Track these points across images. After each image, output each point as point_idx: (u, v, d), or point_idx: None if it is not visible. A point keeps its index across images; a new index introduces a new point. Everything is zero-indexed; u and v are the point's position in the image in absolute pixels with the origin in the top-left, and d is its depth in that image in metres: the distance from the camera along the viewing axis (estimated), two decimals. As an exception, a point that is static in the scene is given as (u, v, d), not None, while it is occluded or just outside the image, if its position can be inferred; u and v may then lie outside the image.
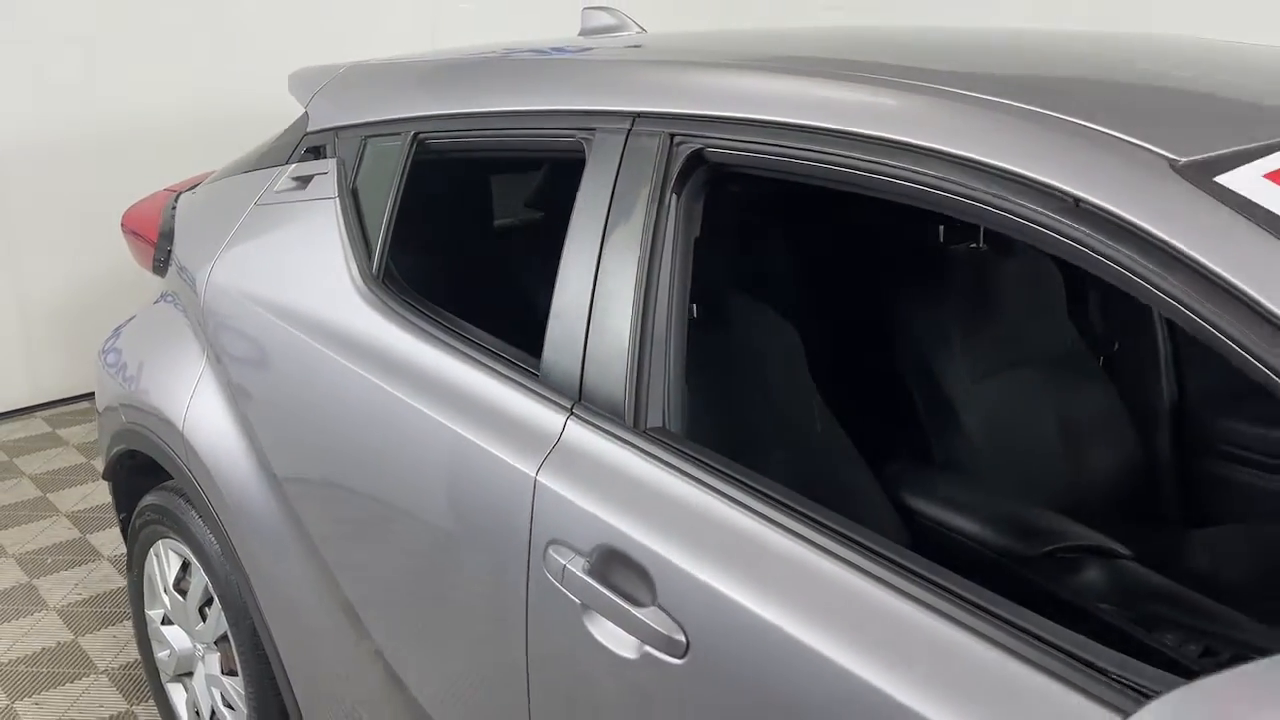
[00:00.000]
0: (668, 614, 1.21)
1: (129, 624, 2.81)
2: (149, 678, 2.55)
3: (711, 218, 1.43)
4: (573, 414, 1.41)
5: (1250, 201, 0.99)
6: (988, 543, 1.83)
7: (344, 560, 1.76)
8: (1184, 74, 1.40)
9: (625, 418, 1.36)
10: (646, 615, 1.22)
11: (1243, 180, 1.02)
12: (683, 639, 1.19)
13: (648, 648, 1.23)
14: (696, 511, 1.24)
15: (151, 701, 2.60)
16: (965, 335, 2.06)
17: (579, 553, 1.31)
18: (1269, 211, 0.98)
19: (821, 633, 1.09)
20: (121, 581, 3.15)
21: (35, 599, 3.16)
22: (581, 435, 1.38)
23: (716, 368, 1.84)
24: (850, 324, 2.09)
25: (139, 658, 2.61)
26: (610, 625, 1.27)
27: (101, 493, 3.68)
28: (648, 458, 1.31)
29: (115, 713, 2.67)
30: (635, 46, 1.66)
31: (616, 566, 1.27)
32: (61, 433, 4.33)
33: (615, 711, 1.30)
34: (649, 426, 1.35)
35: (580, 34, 2.31)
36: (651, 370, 1.36)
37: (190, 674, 2.36)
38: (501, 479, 1.41)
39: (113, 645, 2.93)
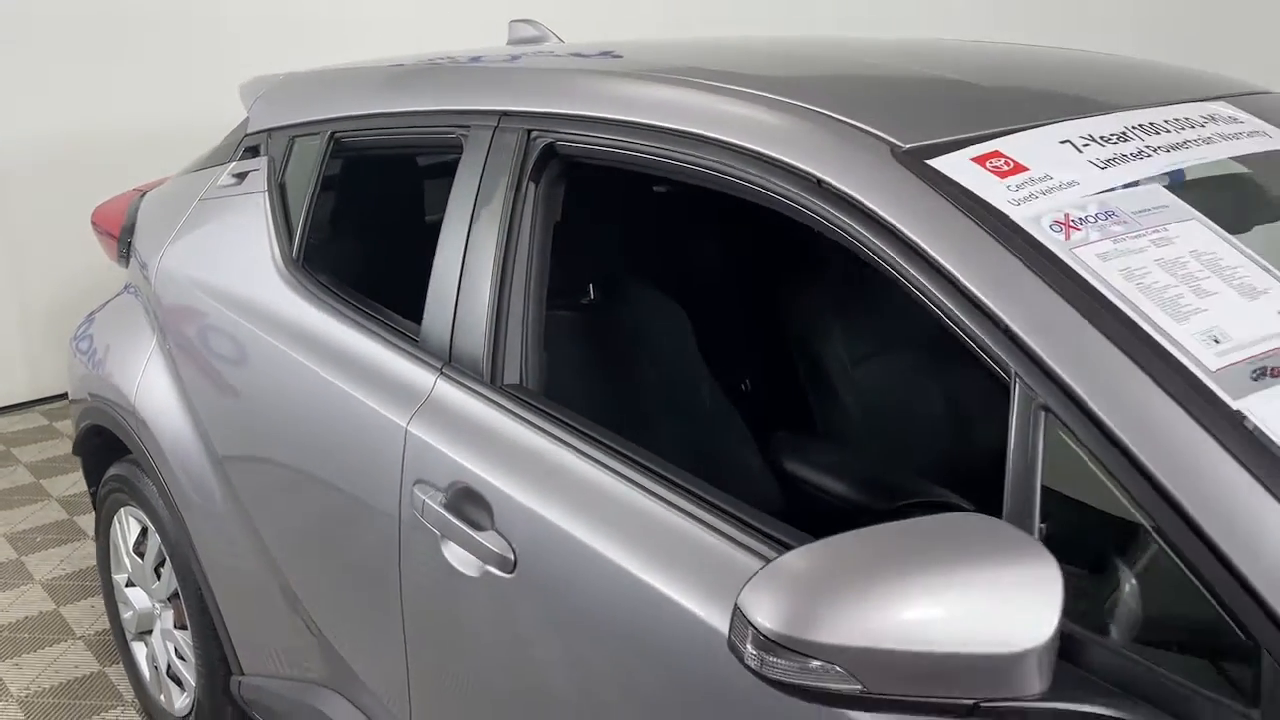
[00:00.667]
0: (502, 536, 1.42)
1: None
2: (116, 639, 2.77)
3: (610, 207, 1.63)
4: (442, 373, 1.62)
5: (951, 180, 1.19)
6: (850, 500, 2.03)
7: (264, 513, 1.97)
8: (929, 72, 1.60)
9: (485, 376, 1.57)
10: (485, 539, 1.43)
11: (951, 163, 1.22)
12: (512, 557, 1.40)
13: (487, 566, 1.43)
14: (531, 452, 1.44)
15: (120, 663, 2.82)
16: (845, 315, 2.25)
17: (438, 489, 1.52)
18: (966, 189, 1.18)
19: (617, 546, 1.29)
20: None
21: (23, 573, 3.38)
22: (448, 391, 1.59)
23: (607, 342, 2.05)
24: (741, 305, 2.29)
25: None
26: (458, 549, 1.47)
27: (91, 480, 3.91)
28: (500, 409, 1.52)
29: (88, 673, 2.89)
30: (515, 57, 1.87)
31: (465, 500, 1.48)
32: (57, 425, 4.57)
33: (463, 622, 1.50)
34: (505, 383, 1.56)
35: (507, 44, 2.53)
36: (509, 335, 1.57)
37: (150, 631, 2.58)
38: (381, 430, 1.63)
39: (90, 614, 3.15)
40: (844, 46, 1.83)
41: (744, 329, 2.27)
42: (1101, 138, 1.31)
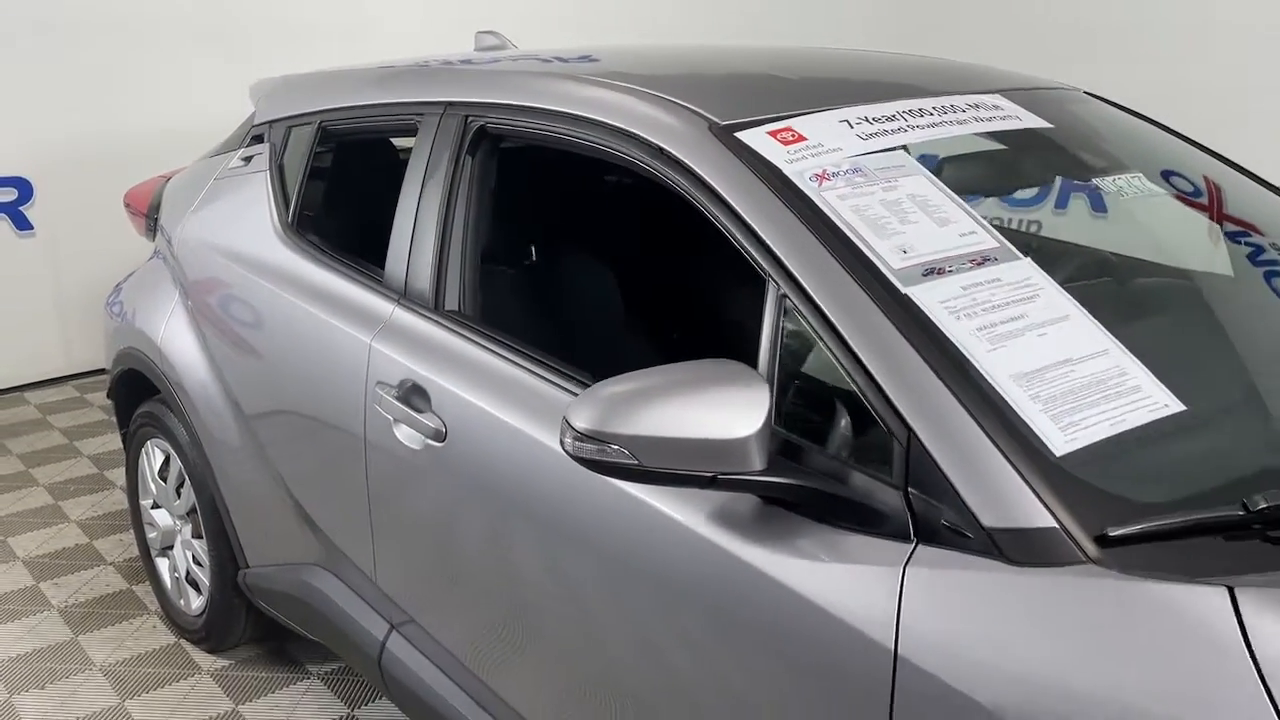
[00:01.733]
0: (437, 415, 1.91)
1: (131, 532, 3.51)
2: (143, 558, 3.26)
3: (552, 187, 2.11)
4: (399, 303, 2.11)
5: (748, 147, 1.67)
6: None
7: (263, 425, 2.47)
8: (759, 70, 2.08)
9: (431, 304, 2.06)
10: (425, 418, 1.92)
11: (751, 135, 1.70)
12: (444, 430, 1.89)
13: (426, 440, 1.92)
14: (460, 354, 1.93)
15: (146, 582, 3.31)
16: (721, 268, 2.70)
17: (392, 386, 2.01)
18: (756, 153, 1.66)
19: (520, 416, 1.78)
20: (126, 503, 3.88)
21: (60, 515, 3.89)
22: (402, 316, 2.08)
23: (544, 296, 2.54)
24: (666, 267, 2.78)
25: (138, 553, 3.32)
26: (406, 429, 1.97)
27: (117, 440, 4.42)
28: (440, 327, 2.01)
29: (118, 590, 3.38)
30: (461, 61, 2.37)
31: (412, 392, 1.97)
32: (89, 397, 5.08)
33: (410, 486, 1.99)
34: (446, 309, 2.05)
35: (474, 51, 3.02)
36: (449, 272, 2.06)
37: (171, 547, 3.07)
38: (351, 347, 2.12)
39: (119, 546, 3.64)
40: (706, 51, 2.32)
41: (671, 287, 2.75)
42: (873, 119, 1.79)
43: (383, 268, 2.19)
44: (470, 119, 2.09)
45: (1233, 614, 1.09)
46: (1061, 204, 2.42)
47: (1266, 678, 1.05)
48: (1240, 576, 1.13)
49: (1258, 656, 1.06)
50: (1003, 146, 1.99)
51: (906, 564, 1.29)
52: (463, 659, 2.00)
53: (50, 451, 4.46)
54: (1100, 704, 1.11)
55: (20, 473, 4.24)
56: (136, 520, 3.23)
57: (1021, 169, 2.12)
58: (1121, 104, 2.35)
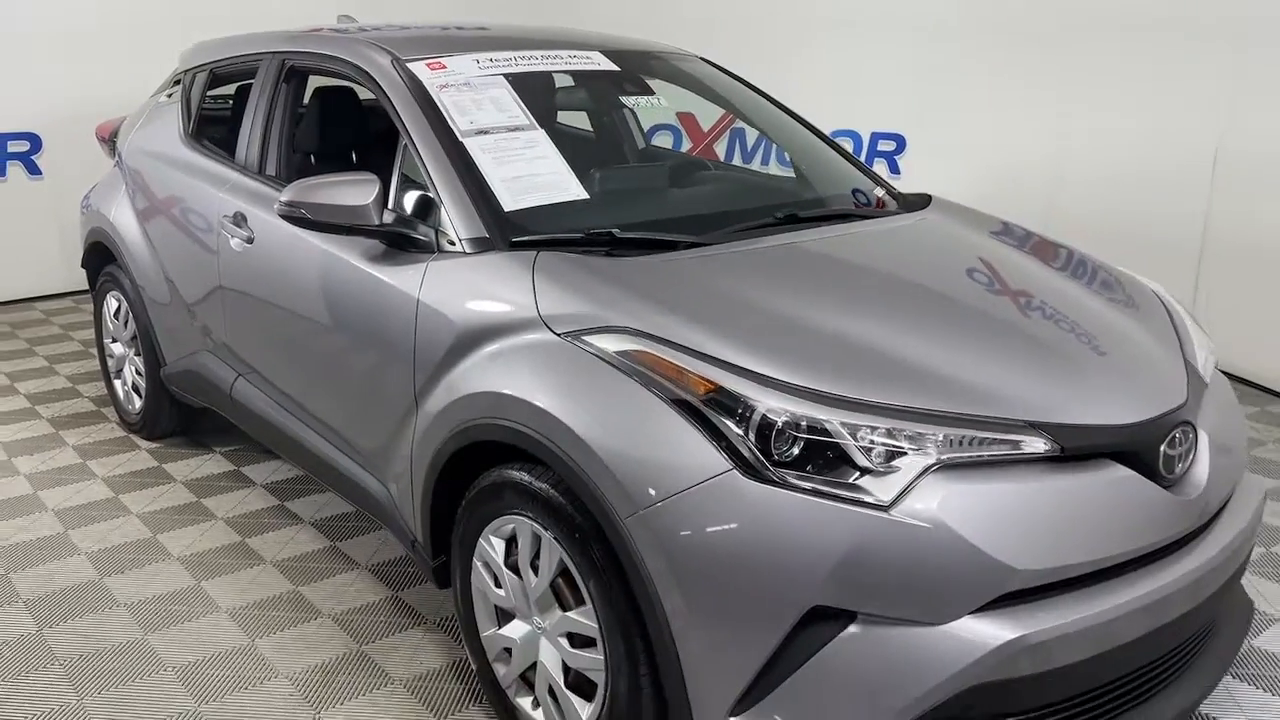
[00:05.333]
0: (249, 228, 3.29)
1: (100, 382, 4.88)
2: (105, 381, 4.65)
3: (351, 116, 3.52)
4: (241, 171, 3.49)
5: (411, 72, 3.04)
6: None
7: (170, 263, 3.86)
8: (456, 34, 3.45)
9: (256, 170, 3.44)
10: (243, 229, 3.30)
11: (415, 65, 3.06)
12: (253, 236, 3.27)
13: (244, 244, 3.30)
14: (264, 195, 3.30)
15: (111, 406, 4.71)
16: None
17: (230, 216, 3.39)
18: (414, 75, 3.02)
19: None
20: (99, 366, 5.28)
21: (52, 371, 5.30)
22: (240, 178, 3.46)
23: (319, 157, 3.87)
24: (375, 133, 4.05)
25: (104, 388, 4.71)
26: (235, 240, 3.35)
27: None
28: (258, 180, 3.39)
29: (88, 410, 4.78)
30: (293, 32, 3.76)
31: (239, 219, 3.34)
32: (82, 306, 6.51)
33: (237, 271, 3.37)
34: (265, 173, 3.43)
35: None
36: (270, 152, 3.43)
37: (122, 369, 4.47)
38: (212, 199, 3.50)
39: (92, 389, 5.04)
40: (439, 26, 3.70)
41: (378, 143, 3.92)
42: (494, 59, 3.16)
43: (234, 152, 3.58)
44: (285, 61, 3.48)
45: (531, 265, 2.45)
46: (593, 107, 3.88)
47: (538, 293, 2.39)
48: (548, 250, 2.49)
49: (537, 286, 2.40)
50: (575, 77, 3.38)
51: (429, 264, 2.66)
52: (271, 379, 3.38)
53: (49, 338, 5.89)
54: (486, 309, 2.46)
55: (26, 349, 5.67)
56: (101, 354, 4.63)
57: (583, 90, 3.51)
58: (726, 69, 3.74)
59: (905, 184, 4.56)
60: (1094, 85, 5.59)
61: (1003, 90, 5.99)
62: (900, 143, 6.73)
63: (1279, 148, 4.80)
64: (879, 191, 3.36)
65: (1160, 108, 5.29)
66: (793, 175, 3.64)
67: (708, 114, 6.87)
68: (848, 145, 6.88)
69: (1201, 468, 2.26)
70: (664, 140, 7.03)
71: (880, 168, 6.82)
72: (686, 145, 7.21)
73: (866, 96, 6.71)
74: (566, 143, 3.02)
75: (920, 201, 3.29)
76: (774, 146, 5.06)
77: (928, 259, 2.84)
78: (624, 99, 3.59)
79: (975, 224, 3.15)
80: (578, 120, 4.04)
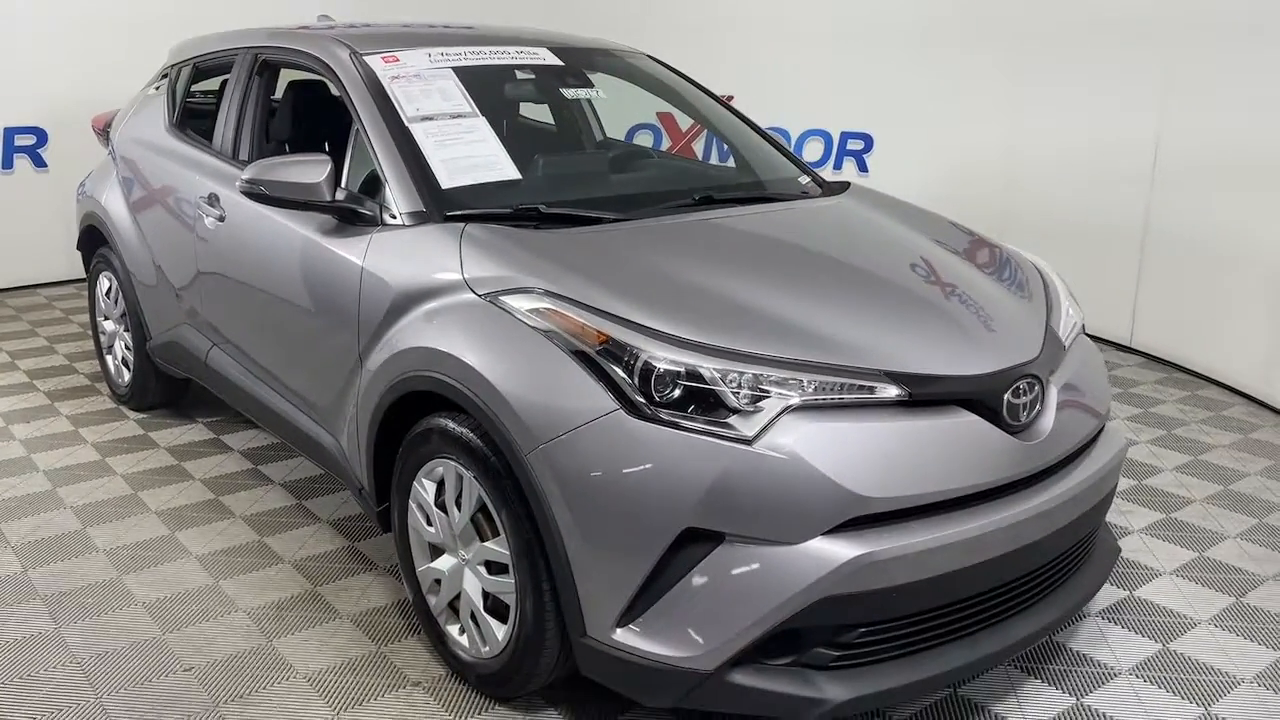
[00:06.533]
0: (222, 207, 3.59)
1: (94, 361, 5.18)
2: (98, 355, 4.96)
3: (319, 108, 3.82)
4: (217, 156, 3.79)
5: (366, 63, 3.33)
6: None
7: (155, 241, 4.16)
8: (410, 31, 3.75)
9: (232, 155, 3.74)
10: (215, 210, 3.60)
11: (371, 59, 3.36)
12: (224, 215, 3.57)
13: (216, 221, 3.61)
14: (235, 177, 3.61)
15: (102, 381, 5.02)
16: None
17: (204, 197, 3.69)
18: (369, 66, 3.32)
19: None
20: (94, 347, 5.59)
21: (52, 350, 5.62)
22: (217, 164, 3.76)
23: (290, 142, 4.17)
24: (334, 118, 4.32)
25: (98, 364, 5.02)
26: (207, 218, 3.65)
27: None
28: (230, 164, 3.69)
29: (82, 385, 5.09)
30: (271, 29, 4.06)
31: (212, 199, 3.64)
32: (83, 292, 6.82)
33: (210, 248, 3.67)
34: (239, 157, 3.73)
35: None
36: (243, 139, 3.73)
37: (113, 346, 4.78)
38: (193, 182, 3.80)
39: (87, 365, 5.36)
40: (406, 25, 3.99)
41: (336, 128, 4.19)
42: (444, 54, 3.45)
43: (212, 139, 3.89)
44: (259, 55, 3.79)
45: (459, 235, 2.74)
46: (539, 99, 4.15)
47: (464, 259, 2.68)
48: (477, 223, 2.77)
49: (463, 253, 2.70)
50: (527, 70, 3.66)
51: (372, 236, 2.95)
52: (240, 346, 3.68)
53: (50, 321, 6.21)
54: (419, 274, 2.74)
55: (28, 330, 5.99)
56: (95, 331, 4.94)
57: (530, 85, 3.80)
58: (671, 66, 4.03)
59: (872, 182, 4.85)
60: (1040, 89, 5.86)
61: (960, 93, 6.26)
62: (868, 142, 7.01)
63: (1210, 145, 5.06)
64: (803, 179, 3.64)
65: (1101, 109, 5.55)
66: (733, 166, 3.92)
67: (685, 116, 7.16)
68: (819, 144, 7.16)
69: (1047, 418, 2.53)
70: (645, 139, 7.32)
71: (849, 166, 7.10)
72: (666, 144, 7.50)
73: (837, 98, 6.99)
74: (525, 133, 3.34)
75: (840, 188, 3.56)
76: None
77: (824, 234, 3.11)
78: (566, 91, 3.89)
79: (882, 206, 3.42)
80: (544, 115, 4.34)
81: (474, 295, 2.60)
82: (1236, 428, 4.65)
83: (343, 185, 3.09)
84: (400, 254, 2.85)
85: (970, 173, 6.29)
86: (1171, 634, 3.01)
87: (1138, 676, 2.81)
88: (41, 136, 6.86)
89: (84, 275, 6.20)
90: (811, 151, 7.17)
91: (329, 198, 2.99)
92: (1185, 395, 5.05)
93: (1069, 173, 5.80)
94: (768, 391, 2.25)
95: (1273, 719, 2.65)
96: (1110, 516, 3.69)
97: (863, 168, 7.01)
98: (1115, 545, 2.97)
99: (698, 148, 7.27)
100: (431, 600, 2.80)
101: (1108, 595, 3.21)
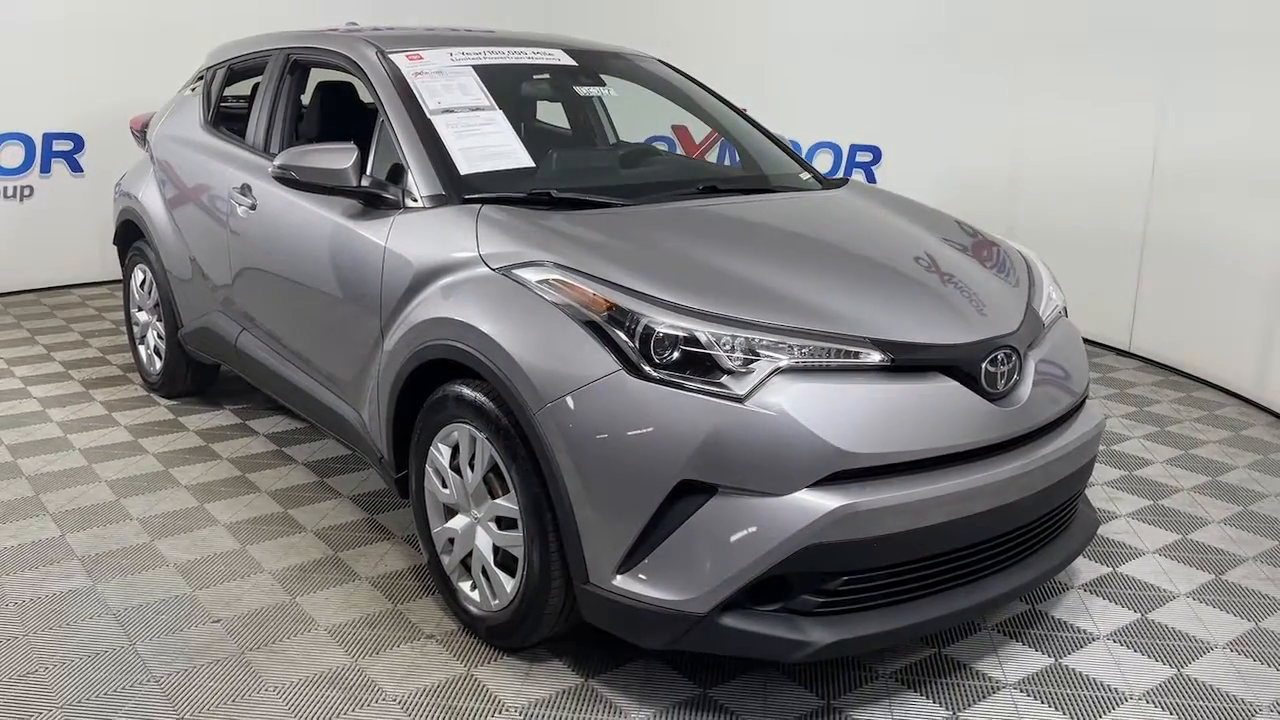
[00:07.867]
0: (254, 196, 3.80)
1: (125, 355, 5.40)
2: (131, 348, 5.17)
3: (348, 105, 4.04)
4: (249, 150, 4.01)
5: (393, 62, 3.54)
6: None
7: (189, 233, 4.37)
8: (435, 33, 3.96)
9: (264, 150, 3.96)
10: (248, 198, 3.81)
11: (396, 56, 3.56)
12: (255, 204, 3.78)
13: (249, 210, 3.82)
14: (266, 169, 3.82)
15: (135, 370, 5.23)
16: None
17: (238, 188, 3.90)
18: (394, 64, 3.53)
19: (288, 194, 3.66)
20: (126, 341, 5.81)
21: (86, 344, 5.84)
22: (249, 156, 3.98)
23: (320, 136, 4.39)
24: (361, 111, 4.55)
25: (130, 356, 5.23)
26: (241, 207, 3.86)
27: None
28: (261, 156, 3.90)
29: (114, 374, 5.31)
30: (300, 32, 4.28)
31: (245, 189, 3.86)
32: (116, 293, 7.07)
33: (241, 235, 3.88)
34: (270, 150, 3.94)
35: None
36: (274, 133, 3.95)
37: (145, 335, 5.00)
38: (227, 175, 4.02)
39: (118, 356, 5.58)
40: (429, 29, 4.21)
41: (363, 120, 4.42)
42: (467, 52, 3.66)
43: (244, 136, 4.11)
44: (290, 56, 4.01)
45: (476, 215, 2.93)
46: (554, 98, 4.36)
47: (480, 237, 2.88)
48: (492, 205, 2.97)
49: (479, 231, 2.89)
50: (544, 70, 3.87)
51: (395, 218, 3.15)
52: (268, 328, 3.88)
53: (85, 318, 6.45)
54: (438, 251, 2.93)
55: (63, 326, 6.23)
56: (129, 323, 5.16)
57: (549, 82, 4.00)
58: (680, 69, 4.23)
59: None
60: (1043, 100, 6.04)
61: (965, 106, 6.44)
62: (876, 154, 7.19)
63: (1208, 152, 5.21)
64: (804, 175, 3.82)
65: (1101, 119, 5.72)
66: (739, 164, 4.11)
67: (698, 127, 7.38)
68: (829, 156, 7.35)
69: (1024, 387, 2.69)
70: (659, 150, 7.50)
71: (858, 177, 7.28)
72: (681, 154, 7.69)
73: (846, 111, 7.18)
74: (540, 133, 3.52)
75: (839, 183, 3.75)
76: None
77: (819, 219, 3.30)
78: (580, 89, 4.10)
79: (877, 198, 3.61)
80: (560, 118, 4.55)
81: (488, 269, 2.78)
82: (1228, 425, 4.78)
83: (368, 174, 3.28)
84: (421, 233, 3.04)
85: (974, 182, 6.46)
86: (1151, 605, 3.15)
87: (1115, 641, 2.95)
88: (78, 143, 7.12)
89: (117, 276, 6.46)
90: (822, 163, 7.35)
91: (355, 183, 3.19)
92: (1180, 396, 5.18)
93: (1071, 182, 5.97)
94: (759, 354, 2.42)
95: (1243, 681, 2.78)
96: (1098, 503, 3.84)
97: (871, 179, 7.18)
98: (1095, 519, 3.12)
99: (711, 158, 7.49)
100: (445, 559, 2.98)
101: (1091, 570, 3.35)
